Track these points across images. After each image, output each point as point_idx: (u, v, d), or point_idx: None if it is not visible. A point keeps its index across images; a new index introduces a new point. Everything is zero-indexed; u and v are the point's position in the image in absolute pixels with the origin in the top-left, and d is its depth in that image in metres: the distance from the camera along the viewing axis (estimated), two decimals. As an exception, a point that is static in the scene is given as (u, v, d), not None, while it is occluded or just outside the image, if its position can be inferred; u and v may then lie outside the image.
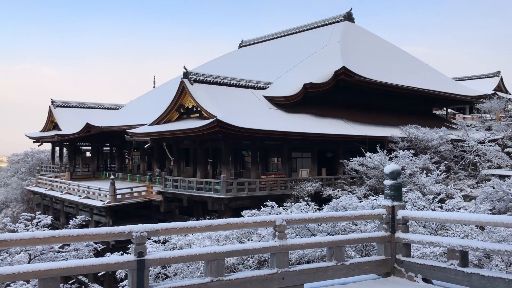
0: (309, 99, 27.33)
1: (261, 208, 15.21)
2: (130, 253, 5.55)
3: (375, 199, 13.92)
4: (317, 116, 27.49)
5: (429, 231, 11.78)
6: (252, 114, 24.60)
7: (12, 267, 4.89)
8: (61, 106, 41.54)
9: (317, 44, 34.35)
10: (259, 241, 12.16)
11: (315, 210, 14.77)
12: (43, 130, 42.33)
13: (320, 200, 21.54)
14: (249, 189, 23.00)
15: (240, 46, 48.67)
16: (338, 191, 22.31)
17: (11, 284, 10.57)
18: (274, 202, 15.27)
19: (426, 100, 36.37)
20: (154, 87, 48.75)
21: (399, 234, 6.83)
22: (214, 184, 22.75)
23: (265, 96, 27.58)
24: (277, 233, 6.10)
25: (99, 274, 22.28)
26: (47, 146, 44.92)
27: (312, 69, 29.01)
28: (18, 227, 15.42)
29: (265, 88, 28.52)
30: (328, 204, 14.71)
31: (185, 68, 25.19)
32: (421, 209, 12.80)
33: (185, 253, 5.84)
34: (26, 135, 43.11)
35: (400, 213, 6.85)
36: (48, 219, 16.27)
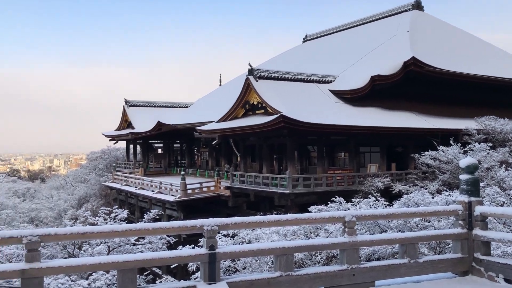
0: (376, 92, 26.57)
1: (328, 204, 15.03)
2: (201, 247, 5.72)
3: (449, 194, 13.27)
4: (385, 109, 26.67)
5: (510, 228, 11.06)
6: (317, 108, 24.36)
7: (94, 258, 5.23)
8: (134, 106, 43.52)
9: (384, 35, 33.30)
10: (327, 237, 12.04)
11: (385, 206, 14.38)
12: (118, 129, 44.59)
13: (390, 196, 20.88)
14: (316, 184, 22.82)
15: (305, 41, 48.30)
16: (409, 186, 21.53)
17: (93, 274, 11.27)
18: (341, 198, 15.03)
19: (505, 89, 34.03)
20: (220, 85, 49.68)
21: (477, 232, 6.46)
22: (280, 179, 22.81)
23: (330, 90, 27.19)
24: (346, 229, 6.01)
25: (171, 266, 23.13)
26: (122, 144, 47.30)
27: (379, 61, 28.16)
28: (97, 220, 16.38)
29: (330, 82, 28.12)
30: (399, 200, 14.25)
31: (250, 65, 25.44)
32: (500, 205, 12.05)
33: (255, 248, 5.92)
34: (103, 134, 45.65)
35: (478, 209, 6.48)
36: (124, 213, 17.11)
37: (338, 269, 5.91)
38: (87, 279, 11.29)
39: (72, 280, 10.84)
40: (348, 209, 13.95)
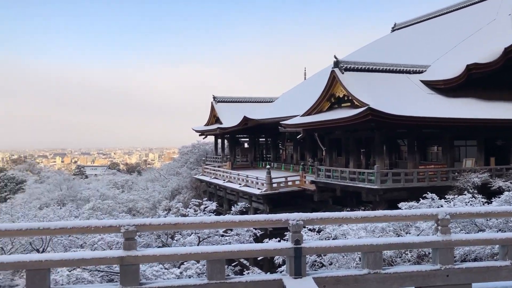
0: (472, 82, 24.73)
1: (419, 200, 14.40)
2: (287, 240, 5.74)
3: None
4: (482, 100, 24.78)
5: None
6: (407, 100, 23.31)
7: (185, 248, 5.47)
8: (221, 102, 44.85)
9: (482, 20, 30.89)
10: (418, 235, 11.53)
11: (483, 204, 13.47)
12: (207, 124, 46.26)
13: (488, 192, 19.42)
14: (406, 180, 21.90)
15: (393, 30, 46.39)
16: (511, 182, 19.88)
17: (185, 263, 11.83)
18: (434, 194, 14.32)
19: None
20: (305, 79, 49.45)
21: None
22: (368, 174, 22.21)
23: (421, 81, 25.86)
24: (439, 227, 5.69)
25: (258, 258, 23.57)
26: (211, 139, 48.95)
27: (476, 48, 26.22)
28: (188, 211, 17.17)
29: (421, 72, 26.73)
30: (499, 197, 13.28)
31: (335, 57, 24.99)
32: None
33: (341, 244, 5.82)
34: (193, 129, 47.62)
35: None
36: (213, 205, 17.76)
37: (430, 268, 5.62)
38: (179, 267, 11.88)
39: (165, 268, 11.47)
40: (441, 206, 13.25)
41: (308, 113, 27.27)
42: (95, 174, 75.87)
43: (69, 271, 10.25)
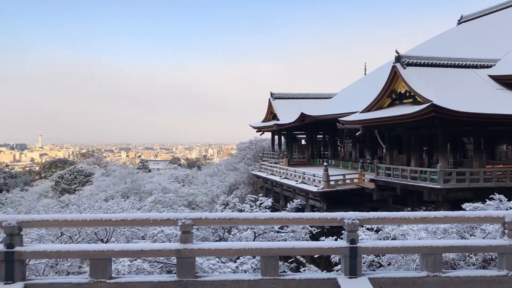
0: (548, 76, 23.08)
1: (485, 201, 13.66)
2: (342, 239, 5.65)
3: None
4: (559, 95, 23.04)
5: None
6: (474, 96, 22.14)
7: (240, 243, 5.54)
8: (278, 98, 44.88)
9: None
10: (483, 238, 10.95)
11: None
12: (264, 121, 46.48)
13: None
14: (471, 180, 20.85)
15: (459, 23, 44.20)
16: None
17: (240, 257, 11.97)
18: (502, 196, 13.53)
19: None
20: (365, 74, 48.32)
21: None
22: (430, 173, 21.36)
23: (490, 76, 24.45)
24: (506, 230, 5.37)
25: (315, 256, 23.41)
26: (268, 135, 49.17)
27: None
28: (244, 207, 17.35)
29: (489, 67, 25.27)
30: None
31: (396, 52, 24.21)
32: None
33: (398, 245, 5.65)
34: (250, 125, 48.03)
35: None
36: (269, 201, 17.81)
37: (496, 274, 5.32)
38: (235, 261, 12.04)
39: (222, 262, 11.67)
40: (510, 208, 12.50)
41: (368, 109, 26.65)
42: (158, 168, 78.54)
43: (130, 261, 10.69)
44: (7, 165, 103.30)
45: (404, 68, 23.76)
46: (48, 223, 5.93)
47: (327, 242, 5.90)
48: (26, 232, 13.42)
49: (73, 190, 54.65)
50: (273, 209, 22.13)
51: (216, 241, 14.42)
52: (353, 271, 5.29)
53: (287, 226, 15.16)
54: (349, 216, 5.35)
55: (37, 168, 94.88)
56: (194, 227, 5.40)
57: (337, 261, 13.51)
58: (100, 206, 19.44)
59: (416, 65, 24.14)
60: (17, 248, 5.12)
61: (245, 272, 11.16)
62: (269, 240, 14.03)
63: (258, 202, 17.60)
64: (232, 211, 23.22)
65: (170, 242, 11.63)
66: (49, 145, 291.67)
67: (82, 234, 14.87)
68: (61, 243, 14.02)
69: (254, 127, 47.25)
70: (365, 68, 50.66)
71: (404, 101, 24.24)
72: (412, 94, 22.98)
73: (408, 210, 18.81)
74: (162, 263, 11.54)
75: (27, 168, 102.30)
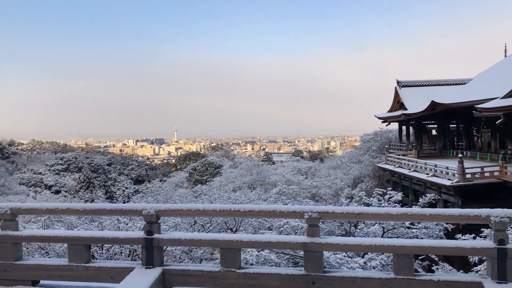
0: None
1: None
2: (485, 238, 5.05)
3: None
4: None
5: None
6: None
7: (369, 239, 5.26)
8: (406, 86, 42.56)
9: None
10: None
11: None
12: (390, 110, 44.46)
13: None
14: None
15: None
16: None
17: (368, 253, 11.55)
18: None
19: None
20: (505, 56, 43.39)
21: None
22: None
23: None
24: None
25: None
26: (394, 126, 46.97)
27: None
28: (371, 201, 16.75)
29: None
30: None
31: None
32: None
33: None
34: (375, 116, 46.29)
35: None
36: (398, 196, 16.96)
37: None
38: (363, 257, 11.66)
39: (349, 257, 11.38)
40: None
41: (510, 94, 23.90)
42: (281, 161, 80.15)
43: (258, 252, 10.96)
44: (148, 158, 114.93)
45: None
46: (182, 212, 6.26)
47: (470, 242, 5.32)
48: (164, 220, 14.58)
49: (204, 181, 58.48)
50: (402, 203, 21.06)
51: (342, 235, 14.13)
52: (502, 276, 4.70)
53: (419, 222, 14.26)
54: (497, 213, 4.75)
55: (173, 161, 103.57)
56: (320, 220, 5.26)
57: (476, 261, 12.33)
58: (229, 196, 20.36)
59: None
60: (155, 235, 5.49)
61: (374, 268, 10.73)
62: (398, 236, 13.35)
63: (386, 196, 16.88)
64: (358, 205, 22.60)
65: (295, 234, 11.67)
66: (183, 139, 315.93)
67: (213, 223, 15.70)
68: (193, 231, 14.97)
69: (379, 118, 45.47)
70: (505, 49, 45.49)
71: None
72: None
73: None
74: (288, 254, 11.65)
75: (165, 161, 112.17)
